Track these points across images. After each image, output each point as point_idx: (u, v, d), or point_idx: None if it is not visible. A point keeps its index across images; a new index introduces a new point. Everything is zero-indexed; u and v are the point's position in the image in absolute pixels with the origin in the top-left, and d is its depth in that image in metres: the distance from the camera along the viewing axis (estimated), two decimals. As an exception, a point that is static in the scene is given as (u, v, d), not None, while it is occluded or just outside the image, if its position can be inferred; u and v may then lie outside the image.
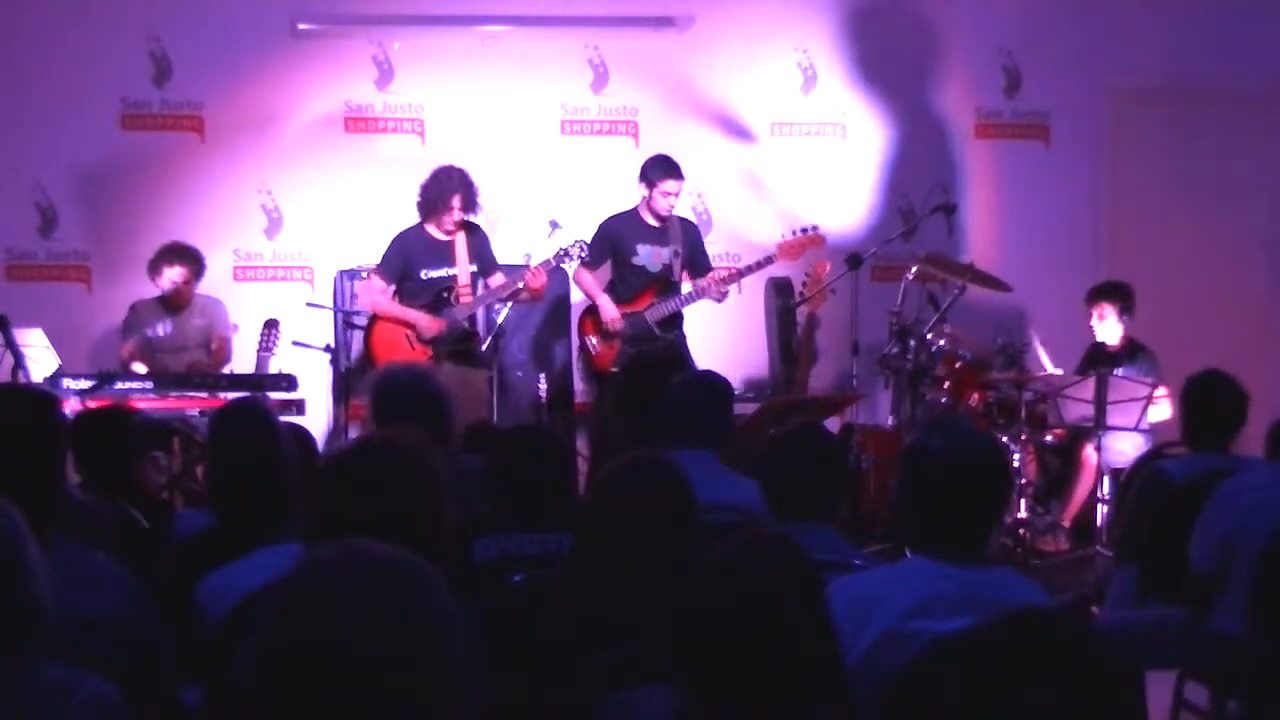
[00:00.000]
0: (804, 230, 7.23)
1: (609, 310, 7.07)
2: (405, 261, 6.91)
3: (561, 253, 6.87)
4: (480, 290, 6.96)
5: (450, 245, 6.90)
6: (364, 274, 7.24)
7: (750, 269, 7.18)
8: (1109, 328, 7.16)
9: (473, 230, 6.96)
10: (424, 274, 6.89)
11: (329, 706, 1.65)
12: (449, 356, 6.77)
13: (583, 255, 6.90)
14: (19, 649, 2.09)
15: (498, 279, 6.92)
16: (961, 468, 2.85)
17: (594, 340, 7.15)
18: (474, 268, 6.93)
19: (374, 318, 6.97)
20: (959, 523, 2.85)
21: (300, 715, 1.65)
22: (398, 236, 6.95)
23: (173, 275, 6.97)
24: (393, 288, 6.94)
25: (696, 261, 7.25)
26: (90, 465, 4.29)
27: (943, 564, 2.83)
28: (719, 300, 7.09)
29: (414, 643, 1.68)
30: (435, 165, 6.95)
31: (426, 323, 6.83)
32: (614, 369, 7.07)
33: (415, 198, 6.88)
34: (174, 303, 7.04)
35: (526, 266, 7.01)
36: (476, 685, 1.75)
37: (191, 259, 7.03)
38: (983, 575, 2.81)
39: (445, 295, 6.86)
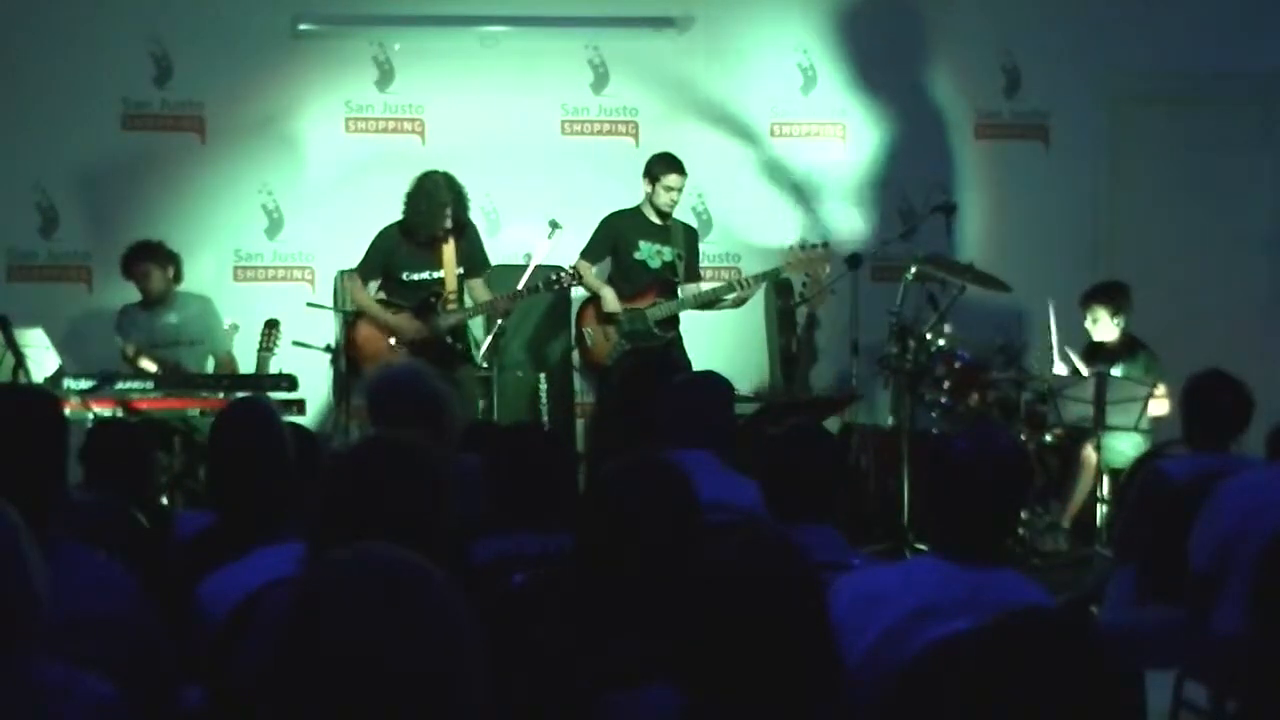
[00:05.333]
0: (813, 245, 7.28)
1: (611, 301, 7.09)
2: (387, 262, 6.89)
3: (535, 286, 6.87)
4: (467, 296, 6.93)
5: (436, 248, 6.84)
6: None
7: (757, 279, 7.20)
8: (1103, 330, 7.16)
9: (463, 229, 6.92)
10: (406, 275, 6.86)
11: (341, 709, 1.65)
12: (429, 361, 6.74)
13: (560, 284, 6.92)
14: (17, 648, 2.09)
15: (477, 284, 6.90)
16: (984, 469, 2.86)
17: (590, 331, 7.17)
18: (460, 271, 6.90)
19: (356, 313, 6.95)
20: (977, 524, 2.85)
21: (313, 718, 1.66)
22: (380, 235, 6.92)
23: (141, 272, 6.97)
24: (373, 284, 6.93)
25: (691, 268, 7.29)
26: (92, 466, 4.29)
27: (949, 564, 2.83)
28: (746, 296, 7.12)
29: (425, 644, 1.69)
30: (419, 174, 6.89)
31: (405, 325, 6.81)
32: (609, 362, 7.10)
33: (403, 205, 6.83)
34: (153, 300, 7.03)
35: (526, 267, 7.01)
36: (488, 686, 1.76)
37: (156, 256, 7.00)
38: (988, 576, 2.82)
39: (433, 301, 6.84)
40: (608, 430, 7.09)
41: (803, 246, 7.30)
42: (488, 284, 6.98)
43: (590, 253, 7.19)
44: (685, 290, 7.23)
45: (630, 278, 7.18)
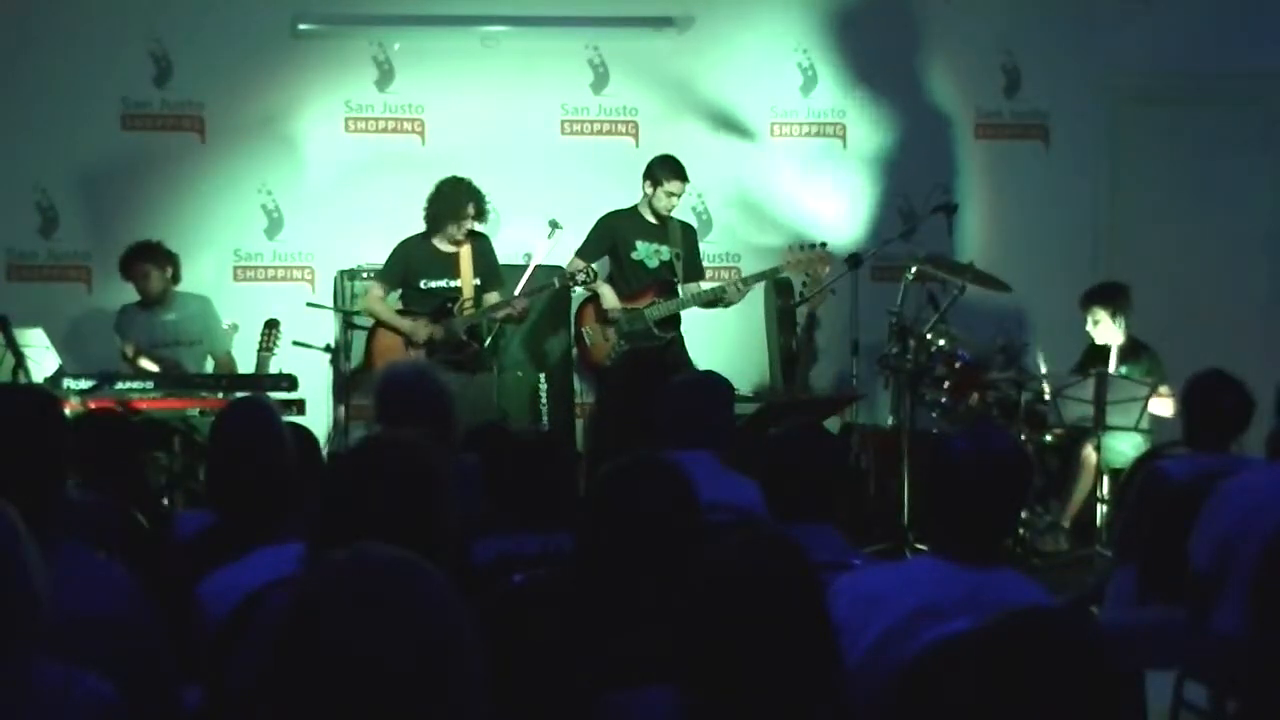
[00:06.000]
0: (812, 246, 7.28)
1: (610, 299, 7.11)
2: (405, 271, 6.94)
3: (552, 283, 6.93)
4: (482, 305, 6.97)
5: (454, 257, 6.91)
6: (364, 275, 7.26)
7: (755, 279, 7.21)
8: (1105, 331, 7.15)
9: (479, 240, 6.97)
10: (424, 283, 6.90)
11: (340, 709, 1.65)
12: (445, 365, 6.76)
13: (574, 282, 6.92)
14: (17, 648, 2.10)
15: (492, 297, 6.94)
16: (984, 469, 2.86)
17: (589, 331, 7.17)
18: (477, 281, 6.93)
19: (376, 323, 6.99)
20: (977, 523, 2.85)
21: (311, 718, 1.66)
22: (399, 245, 6.98)
23: (139, 273, 6.96)
24: (394, 294, 6.98)
25: (692, 266, 7.29)
26: (90, 465, 4.29)
27: (949, 564, 2.83)
28: (742, 294, 7.14)
29: (425, 645, 1.69)
30: (439, 174, 6.96)
31: (419, 328, 6.83)
32: (608, 363, 7.10)
33: (423, 209, 6.88)
34: (152, 300, 7.03)
35: (526, 267, 7.02)
36: (486, 686, 1.76)
37: (154, 256, 7.00)
38: (988, 576, 2.82)
39: (449, 306, 6.87)
40: (608, 430, 7.09)
41: (801, 247, 7.30)
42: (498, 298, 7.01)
43: (586, 252, 7.19)
44: (685, 290, 7.24)
45: (628, 278, 7.18)
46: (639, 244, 7.16)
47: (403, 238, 7.00)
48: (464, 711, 1.71)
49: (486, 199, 6.93)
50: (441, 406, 3.92)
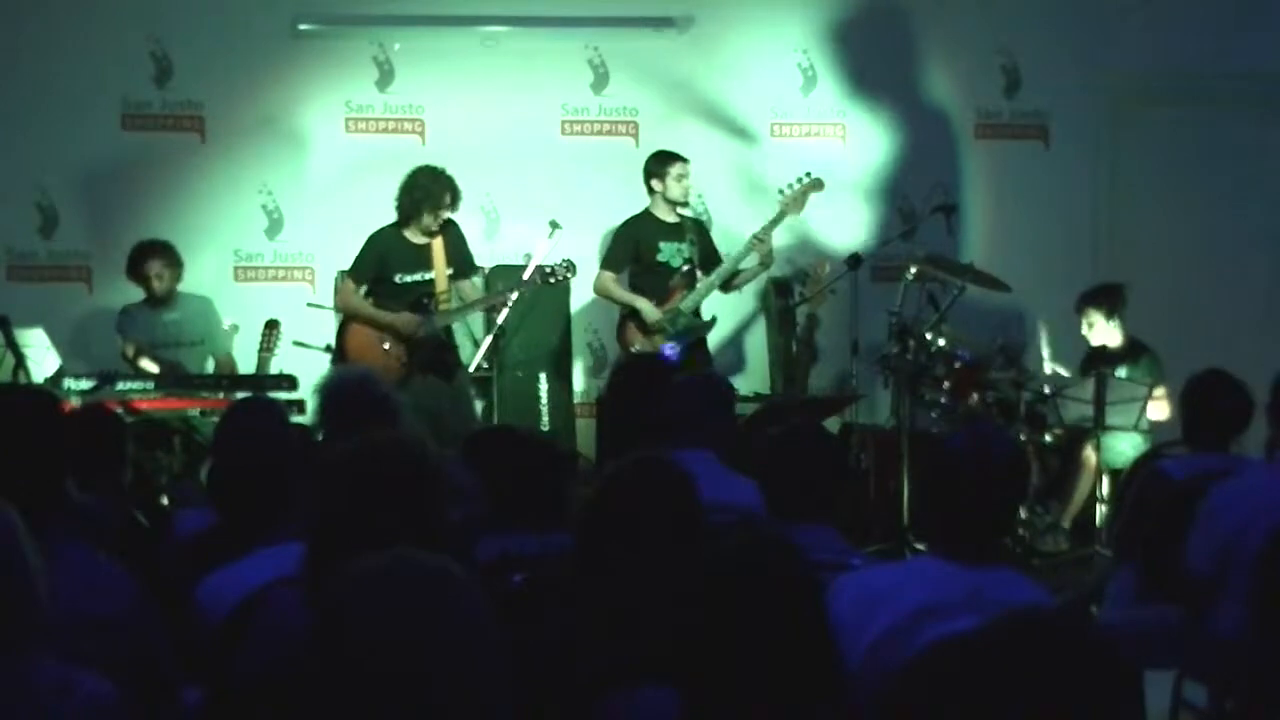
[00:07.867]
0: (800, 180, 7.28)
1: (651, 311, 7.06)
2: (379, 264, 6.81)
3: (534, 280, 6.86)
4: (455, 296, 6.86)
5: (427, 249, 6.80)
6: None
7: (766, 231, 7.14)
8: (1101, 332, 7.15)
9: (450, 229, 6.86)
10: (399, 278, 6.78)
11: (372, 713, 1.66)
12: (425, 368, 6.70)
13: (554, 277, 6.88)
14: (16, 647, 2.10)
15: (474, 284, 6.89)
16: (982, 468, 2.86)
17: (640, 350, 7.08)
18: (450, 271, 6.84)
19: (345, 321, 6.88)
20: (977, 523, 2.85)
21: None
22: (372, 238, 6.85)
23: (149, 272, 6.95)
24: (364, 289, 6.86)
25: (709, 257, 7.24)
26: (78, 464, 4.28)
27: (949, 564, 2.83)
28: (764, 252, 7.06)
29: (459, 649, 1.69)
30: (413, 168, 6.87)
31: (406, 319, 6.72)
32: None
33: (396, 200, 6.77)
34: (158, 300, 7.01)
35: (526, 267, 7.02)
36: (510, 679, 1.77)
37: (165, 253, 7.00)
38: (988, 576, 2.82)
39: (425, 301, 6.76)
40: (609, 429, 7.07)
41: (790, 186, 7.30)
42: (474, 286, 6.96)
43: (614, 262, 7.17)
44: (705, 279, 7.17)
45: (653, 280, 7.15)
46: (662, 245, 7.15)
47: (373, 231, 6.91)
48: (491, 713, 1.72)
49: (460, 191, 6.78)
50: (386, 415, 3.86)
